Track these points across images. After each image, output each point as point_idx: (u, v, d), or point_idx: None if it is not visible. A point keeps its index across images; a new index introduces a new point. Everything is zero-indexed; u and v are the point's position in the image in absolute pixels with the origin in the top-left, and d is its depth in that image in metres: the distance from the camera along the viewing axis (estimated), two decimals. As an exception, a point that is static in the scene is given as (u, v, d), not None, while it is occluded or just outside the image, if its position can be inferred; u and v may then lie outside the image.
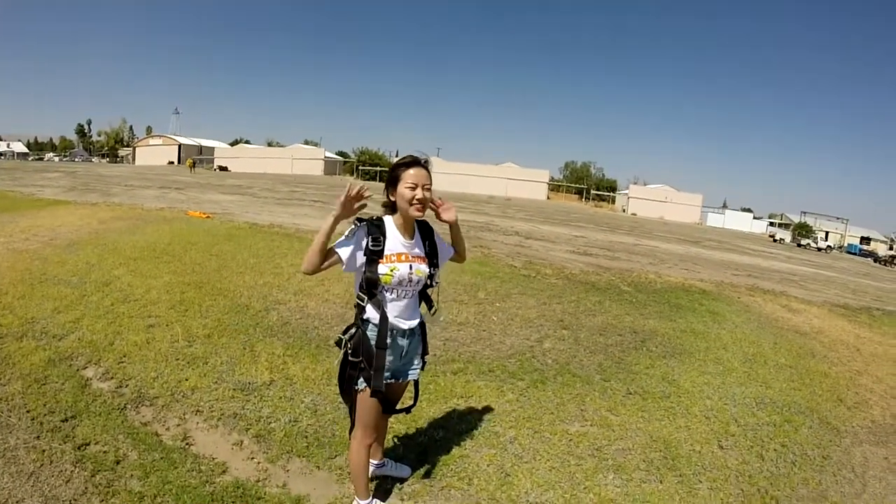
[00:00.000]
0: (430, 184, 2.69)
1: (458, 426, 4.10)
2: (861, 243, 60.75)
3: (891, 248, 57.03)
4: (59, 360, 4.47)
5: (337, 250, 2.62)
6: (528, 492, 3.38)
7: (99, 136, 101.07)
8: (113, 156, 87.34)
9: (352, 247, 2.61)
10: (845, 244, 60.49)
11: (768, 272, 18.17)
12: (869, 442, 4.78)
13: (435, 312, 3.00)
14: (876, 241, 63.72)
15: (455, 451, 3.75)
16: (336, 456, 3.49)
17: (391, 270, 2.64)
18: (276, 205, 20.17)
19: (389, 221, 2.73)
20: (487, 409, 4.42)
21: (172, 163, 63.40)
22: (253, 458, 3.45)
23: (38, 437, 3.38)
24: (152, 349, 4.86)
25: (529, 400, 4.69)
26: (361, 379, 2.70)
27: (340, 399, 2.93)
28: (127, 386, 4.18)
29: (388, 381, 2.86)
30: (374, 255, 2.62)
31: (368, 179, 64.26)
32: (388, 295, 2.70)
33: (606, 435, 4.22)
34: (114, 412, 3.78)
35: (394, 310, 2.73)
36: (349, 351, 2.69)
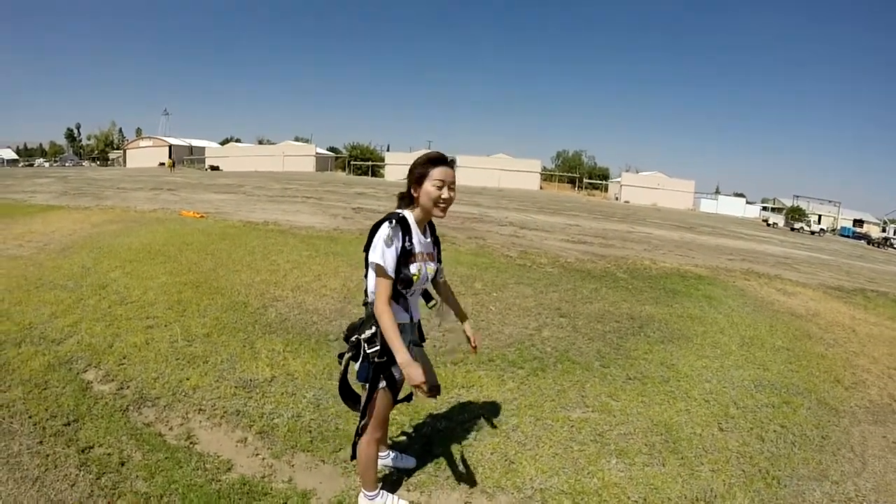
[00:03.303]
0: (455, 184, 2.63)
1: (460, 416, 4.13)
2: (854, 226, 61.11)
3: (884, 231, 57.17)
4: (59, 365, 4.46)
5: (384, 265, 2.51)
6: (532, 478, 3.40)
7: (89, 139, 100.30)
8: (103, 159, 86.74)
9: (394, 254, 2.53)
10: (838, 227, 60.68)
11: (763, 256, 18.27)
12: (867, 421, 4.83)
13: (433, 305, 3.01)
14: (869, 223, 64.05)
15: (458, 440, 3.77)
16: (340, 449, 3.50)
17: (419, 270, 2.62)
18: (269, 202, 20.11)
19: (411, 219, 2.64)
20: (489, 398, 4.45)
21: (163, 164, 63.03)
22: (258, 455, 3.46)
23: (42, 441, 3.38)
24: (152, 350, 4.86)
25: (530, 388, 4.73)
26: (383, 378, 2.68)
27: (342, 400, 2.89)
28: (128, 387, 4.18)
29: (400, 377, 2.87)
30: (407, 256, 2.56)
31: (360, 174, 64.14)
32: (407, 293, 2.70)
33: (608, 420, 4.25)
34: (116, 414, 3.78)
35: (412, 307, 2.75)
36: (374, 350, 2.59)
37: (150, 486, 3.04)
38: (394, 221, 2.53)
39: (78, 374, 4.35)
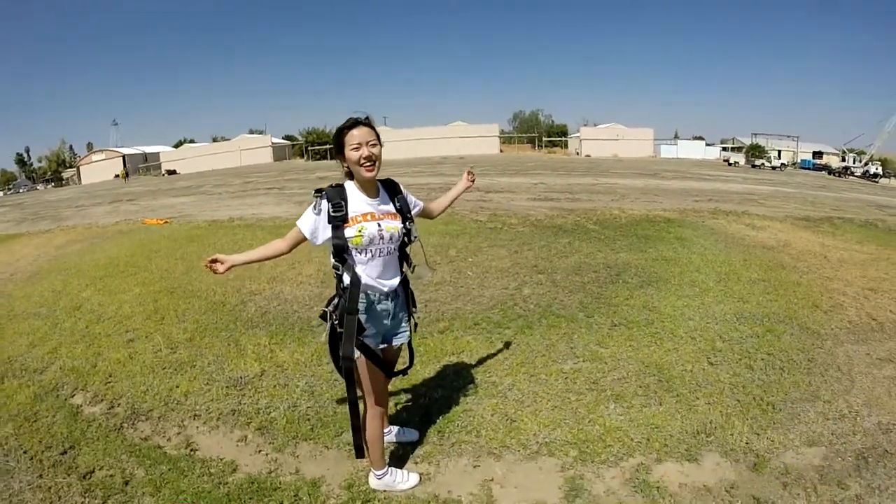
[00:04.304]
0: (376, 139, 2.63)
1: (455, 382, 4.16)
2: (814, 158, 62.07)
3: (843, 160, 58.57)
4: (46, 394, 4.33)
5: (299, 225, 2.65)
6: (536, 434, 3.46)
7: (40, 161, 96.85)
8: (58, 179, 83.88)
9: (314, 219, 2.63)
10: (798, 160, 61.69)
11: (728, 195, 18.60)
12: (850, 341, 4.99)
13: (414, 269, 2.99)
14: (828, 154, 65.02)
15: (457, 406, 3.81)
16: (342, 433, 3.50)
17: (360, 231, 2.61)
18: (231, 199, 19.79)
19: (350, 185, 2.70)
20: (481, 362, 4.50)
21: (118, 176, 61.42)
22: (260, 451, 3.43)
23: (41, 475, 3.28)
24: (137, 363, 4.77)
25: (519, 346, 4.79)
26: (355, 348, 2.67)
27: (337, 374, 2.92)
28: (119, 405, 4.10)
29: (381, 346, 2.87)
30: (338, 220, 2.59)
31: (319, 159, 63.31)
32: (361, 256, 2.66)
33: (600, 368, 4.33)
34: (111, 434, 3.70)
35: (371, 271, 2.70)
36: (336, 322, 2.65)
37: (158, 501, 3.00)
38: (322, 192, 2.66)
39: (66, 399, 4.24)
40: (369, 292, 2.72)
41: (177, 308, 6.16)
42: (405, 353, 3.23)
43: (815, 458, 3.25)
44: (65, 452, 3.51)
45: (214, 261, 2.62)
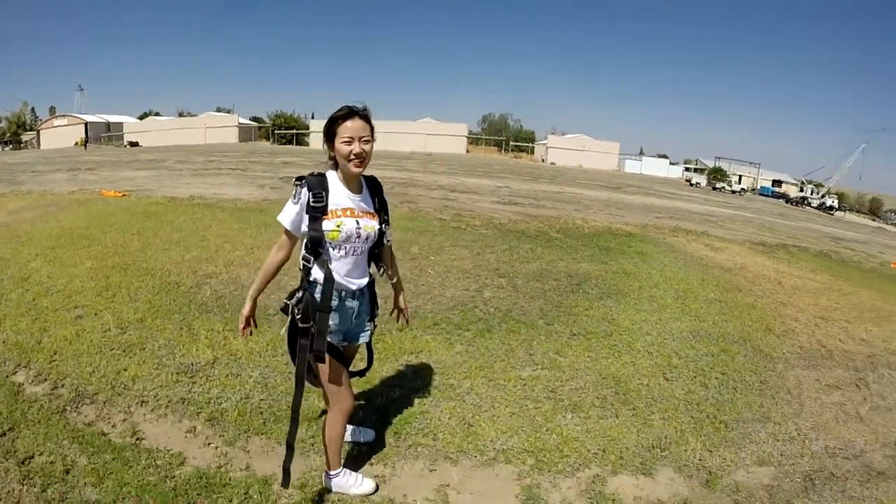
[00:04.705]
0: (370, 135, 2.55)
1: (413, 383, 4.12)
2: (773, 185, 64.18)
3: (801, 190, 60.72)
4: (-14, 370, 4.11)
5: (280, 221, 2.57)
6: (493, 440, 3.45)
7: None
8: (16, 142, 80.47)
9: (294, 210, 2.54)
10: (758, 187, 63.61)
11: (688, 214, 19.05)
12: (800, 366, 5.17)
13: (384, 273, 2.93)
14: (787, 183, 67.21)
15: (415, 408, 3.77)
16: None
17: (338, 226, 2.52)
18: (193, 176, 19.25)
19: (333, 176, 2.60)
20: (439, 363, 4.47)
21: (78, 143, 59.23)
22: (210, 444, 3.32)
23: (-24, 459, 3.11)
24: (84, 342, 4.57)
25: (479, 349, 4.78)
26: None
27: (292, 368, 2.83)
28: (63, 386, 3.90)
29: (342, 343, 2.78)
30: (317, 212, 2.51)
31: (285, 143, 62.64)
32: (334, 252, 2.59)
33: (558, 376, 4.36)
34: (54, 417, 3.52)
35: (342, 268, 2.62)
36: (298, 317, 2.57)
37: (101, 493, 2.85)
38: (303, 180, 2.56)
39: (7, 377, 4.01)
40: (338, 289, 2.63)
41: (129, 286, 5.94)
42: (362, 352, 3.17)
43: (764, 478, 3.35)
44: (3, 434, 3.31)
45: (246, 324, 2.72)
